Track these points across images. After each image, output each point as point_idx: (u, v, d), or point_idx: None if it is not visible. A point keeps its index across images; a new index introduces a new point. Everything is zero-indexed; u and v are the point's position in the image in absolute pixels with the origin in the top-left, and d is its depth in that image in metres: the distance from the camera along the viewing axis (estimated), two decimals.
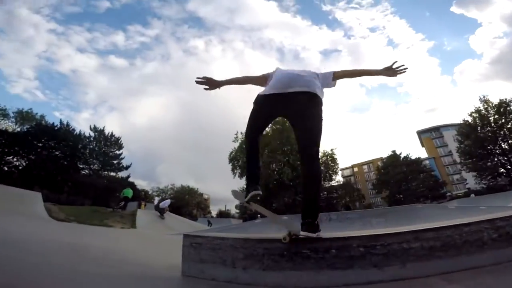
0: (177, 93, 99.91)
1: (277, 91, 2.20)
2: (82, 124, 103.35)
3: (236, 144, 46.10)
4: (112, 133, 43.48)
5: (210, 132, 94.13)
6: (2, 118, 39.74)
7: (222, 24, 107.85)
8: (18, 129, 39.98)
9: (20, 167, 36.44)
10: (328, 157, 46.62)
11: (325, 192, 48.90)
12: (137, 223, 13.14)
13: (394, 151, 47.77)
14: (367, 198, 57.15)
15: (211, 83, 2.54)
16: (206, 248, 2.22)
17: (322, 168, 44.71)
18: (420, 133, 66.04)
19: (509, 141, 32.11)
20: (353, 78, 2.55)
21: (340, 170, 54.25)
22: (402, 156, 46.69)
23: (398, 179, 43.20)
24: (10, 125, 40.38)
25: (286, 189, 42.66)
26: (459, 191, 47.73)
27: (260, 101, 2.29)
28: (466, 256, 1.80)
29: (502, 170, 33.13)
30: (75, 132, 41.20)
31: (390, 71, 2.37)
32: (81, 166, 40.54)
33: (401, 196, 43.13)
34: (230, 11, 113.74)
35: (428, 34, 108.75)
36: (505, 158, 32.49)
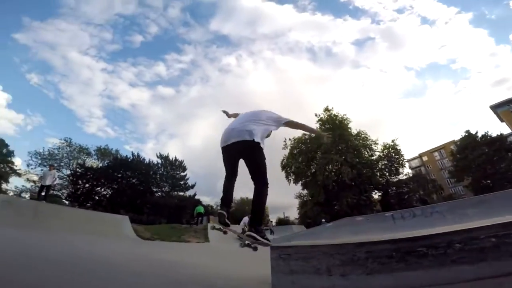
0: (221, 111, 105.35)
1: (223, 144, 3.10)
2: (148, 153, 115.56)
3: (286, 151, 45.83)
4: (175, 157, 48.54)
5: None
6: (87, 156, 47.47)
7: (246, 37, 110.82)
8: (100, 164, 47.11)
9: (107, 196, 42.37)
10: (391, 149, 42.83)
11: (394, 188, 44.78)
12: (209, 237, 13.86)
13: (468, 131, 41.23)
14: (445, 188, 50.39)
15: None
16: (296, 259, 2.15)
17: (385, 162, 42.06)
18: (496, 108, 55.53)
19: None
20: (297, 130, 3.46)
21: (407, 161, 49.03)
22: (480, 135, 40.01)
23: (480, 162, 36.63)
24: (94, 162, 47.85)
25: (349, 189, 40.30)
26: None
27: (222, 151, 3.19)
28: None
29: None
30: (145, 161, 47.14)
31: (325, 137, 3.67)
32: (154, 190, 45.77)
33: (489, 181, 36.42)
34: (250, 24, 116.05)
35: (462, 6, 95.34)
36: None
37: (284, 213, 77.37)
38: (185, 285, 2.90)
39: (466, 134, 41.03)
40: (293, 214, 68.73)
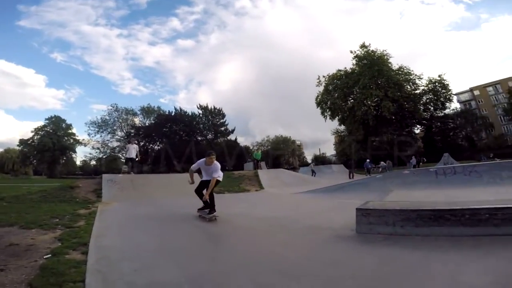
0: (245, 53, 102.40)
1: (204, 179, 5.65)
2: (182, 102, 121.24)
3: (321, 88, 45.20)
4: (214, 106, 51.11)
5: (288, 79, 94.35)
6: (134, 116, 52.32)
7: None
8: (147, 122, 51.75)
9: (160, 150, 47.07)
10: (437, 84, 40.19)
11: (438, 124, 43.04)
12: (262, 183, 15.15)
13: None
14: (496, 126, 46.98)
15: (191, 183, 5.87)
16: (374, 216, 3.64)
17: (431, 95, 40.35)
18: None
19: None
20: None
21: (455, 95, 45.60)
22: None
23: None
24: (141, 121, 52.70)
25: (389, 125, 39.92)
26: None
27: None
28: None
29: None
30: (187, 113, 50.31)
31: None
32: (199, 139, 49.56)
33: None
34: None
35: None
36: None
37: (319, 149, 79.42)
38: (304, 230, 4.46)
39: None
40: (329, 150, 70.15)
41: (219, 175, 5.45)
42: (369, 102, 40.59)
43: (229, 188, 13.67)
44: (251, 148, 66.67)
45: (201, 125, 50.38)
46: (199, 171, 5.95)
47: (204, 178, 5.62)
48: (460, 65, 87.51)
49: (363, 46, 42.25)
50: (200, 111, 50.64)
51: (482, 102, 53.59)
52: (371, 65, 40.19)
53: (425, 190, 5.76)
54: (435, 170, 6.84)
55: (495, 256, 2.43)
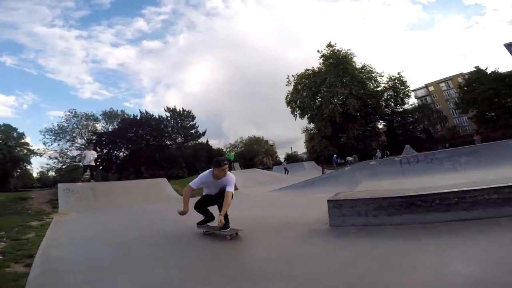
0: (216, 54, 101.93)
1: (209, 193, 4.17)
2: (148, 106, 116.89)
3: (290, 88, 46.52)
4: (182, 108, 49.23)
5: (260, 80, 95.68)
6: (95, 122, 48.73)
7: None
8: (110, 128, 48.53)
9: (126, 157, 44.37)
10: (396, 81, 43.09)
11: (399, 118, 46.15)
12: (236, 184, 15.31)
13: (477, 67, 40.91)
14: (449, 119, 51.52)
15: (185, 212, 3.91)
16: (346, 207, 3.54)
17: (391, 92, 42.97)
18: (509, 46, 53.13)
19: None
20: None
21: (413, 91, 49.43)
22: (489, 71, 39.64)
23: (487, 96, 37.26)
24: (103, 126, 49.29)
25: (354, 121, 41.89)
26: None
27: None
28: None
29: None
30: (153, 116, 47.56)
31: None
32: (168, 143, 47.44)
33: (493, 114, 37.91)
34: None
35: None
36: None
37: (291, 148, 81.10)
38: (278, 228, 4.20)
39: (475, 69, 41.30)
40: (301, 148, 72.28)
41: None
42: (335, 100, 42.40)
43: (199, 192, 13.47)
44: (224, 150, 66.23)
45: (170, 129, 48.19)
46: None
47: (208, 193, 4.17)
48: (416, 63, 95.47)
49: (329, 45, 44.15)
50: (168, 114, 48.66)
51: (436, 97, 58.71)
52: (337, 64, 42.08)
53: (392, 180, 5.94)
54: (399, 159, 7.16)
55: (474, 242, 2.41)
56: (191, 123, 49.49)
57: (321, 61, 44.83)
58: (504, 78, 37.32)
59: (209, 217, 4.23)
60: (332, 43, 44.09)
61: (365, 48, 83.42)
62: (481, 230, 2.59)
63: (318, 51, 44.97)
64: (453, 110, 51.83)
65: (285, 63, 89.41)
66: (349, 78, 41.82)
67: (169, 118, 48.37)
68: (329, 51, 43.94)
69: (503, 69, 39.15)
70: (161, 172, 38.94)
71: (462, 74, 48.89)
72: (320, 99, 44.11)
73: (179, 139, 48.58)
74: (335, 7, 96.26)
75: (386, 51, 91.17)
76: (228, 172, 3.93)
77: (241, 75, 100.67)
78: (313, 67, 45.77)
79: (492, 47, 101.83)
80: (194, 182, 4.07)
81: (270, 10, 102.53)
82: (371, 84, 43.98)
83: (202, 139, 50.10)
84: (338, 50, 43.66)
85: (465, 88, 41.15)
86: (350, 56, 43.33)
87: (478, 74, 40.01)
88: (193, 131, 49.21)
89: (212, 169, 3.90)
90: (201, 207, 4.20)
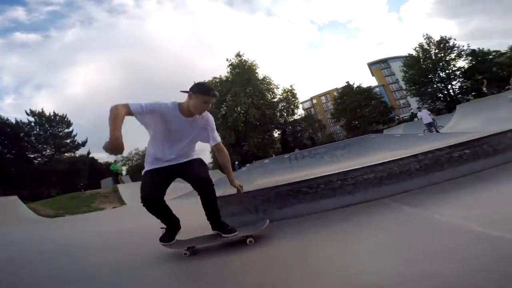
0: (113, 54, 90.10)
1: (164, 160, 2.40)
2: (8, 111, 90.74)
3: None
4: (54, 112, 39.16)
5: (166, 86, 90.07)
6: None
7: None
8: None
9: None
10: (289, 93, 48.48)
11: (290, 127, 52.02)
12: (124, 199, 12.93)
13: (348, 82, 51.19)
14: (327, 127, 62.01)
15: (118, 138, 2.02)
16: (234, 204, 3.00)
17: (284, 103, 47.89)
18: (371, 65, 71.73)
19: (446, 71, 39.78)
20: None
21: (301, 103, 57.07)
22: (355, 86, 50.29)
23: (353, 107, 47.13)
24: None
25: (255, 130, 44.45)
26: (405, 114, 53.75)
27: None
28: (402, 182, 2.83)
29: (440, 95, 41.25)
30: (8, 121, 35.72)
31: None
32: (31, 156, 37.06)
33: (357, 122, 47.77)
34: None
35: None
36: (442, 85, 40.89)
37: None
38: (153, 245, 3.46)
39: (346, 84, 51.82)
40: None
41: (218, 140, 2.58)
42: (239, 109, 44.08)
43: (73, 210, 10.95)
44: (113, 163, 57.40)
45: (33, 138, 37.17)
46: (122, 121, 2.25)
47: (163, 159, 2.31)
48: (306, 77, 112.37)
49: (238, 55, 45.90)
50: (32, 119, 37.24)
51: (317, 109, 70.64)
52: (242, 73, 44.03)
53: (284, 175, 6.05)
54: (288, 156, 7.63)
55: (370, 225, 2.24)
56: (66, 130, 39.71)
57: (228, 69, 46.04)
58: (364, 92, 48.69)
59: (175, 220, 2.48)
60: (241, 53, 45.89)
61: (268, 61, 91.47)
62: (372, 212, 2.51)
63: (227, 60, 46.04)
64: (330, 120, 62.98)
65: (197, 70, 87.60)
66: (252, 88, 44.27)
67: (33, 124, 37.33)
68: (237, 61, 45.56)
69: (365, 84, 51.73)
70: (23, 192, 29.33)
71: (337, 89, 60.21)
72: (225, 107, 44.89)
73: (48, 150, 38.10)
74: (251, 19, 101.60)
75: (284, 65, 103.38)
76: (208, 114, 2.44)
77: (143, 79, 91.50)
78: (220, 76, 46.56)
79: (360, 65, 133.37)
80: (137, 103, 2.18)
81: (188, 16, 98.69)
82: (269, 95, 47.95)
83: (82, 151, 40.91)
84: (245, 60, 45.67)
85: (338, 100, 50.92)
86: (254, 67, 45.99)
87: (348, 89, 50.09)
88: (68, 140, 39.52)
89: (183, 101, 2.24)
90: (154, 193, 2.22)
